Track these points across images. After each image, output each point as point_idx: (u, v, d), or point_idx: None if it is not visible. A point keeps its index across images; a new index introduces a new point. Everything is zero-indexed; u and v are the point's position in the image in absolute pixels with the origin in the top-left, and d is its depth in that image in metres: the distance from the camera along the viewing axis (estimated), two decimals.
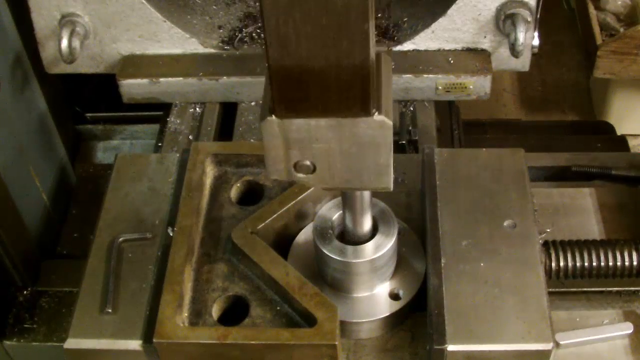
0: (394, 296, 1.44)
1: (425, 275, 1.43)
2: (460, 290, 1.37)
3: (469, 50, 1.88)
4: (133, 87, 1.90)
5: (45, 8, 1.82)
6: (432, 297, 1.36)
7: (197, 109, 1.96)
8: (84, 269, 1.44)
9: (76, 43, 1.81)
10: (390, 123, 1.11)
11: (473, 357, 1.32)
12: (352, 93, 1.07)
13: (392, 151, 1.16)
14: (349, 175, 1.18)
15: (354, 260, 1.37)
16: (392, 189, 1.21)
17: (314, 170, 1.18)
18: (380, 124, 1.11)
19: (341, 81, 1.05)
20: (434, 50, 1.89)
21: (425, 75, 1.86)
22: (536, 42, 1.82)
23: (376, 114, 1.10)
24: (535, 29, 1.80)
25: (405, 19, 1.95)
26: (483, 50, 1.87)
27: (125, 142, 2.32)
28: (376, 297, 1.44)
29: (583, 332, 1.51)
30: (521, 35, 1.74)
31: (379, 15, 1.96)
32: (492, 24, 1.82)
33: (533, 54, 1.84)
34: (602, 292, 1.60)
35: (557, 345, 1.46)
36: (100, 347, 1.36)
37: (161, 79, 1.90)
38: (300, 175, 1.19)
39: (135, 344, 1.35)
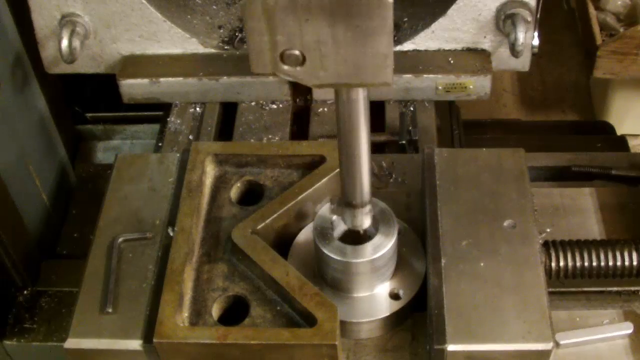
0: (394, 296, 1.44)
1: (425, 275, 1.43)
2: (460, 290, 1.37)
3: (469, 50, 1.88)
4: (133, 87, 1.90)
5: (45, 8, 1.82)
6: (432, 297, 1.36)
7: (197, 109, 1.96)
8: (84, 269, 1.44)
9: (76, 43, 1.81)
10: (391, 2, 0.98)
11: (473, 357, 1.32)
12: None
13: (392, 39, 1.03)
14: (343, 67, 1.05)
15: (354, 260, 1.37)
16: (391, 84, 1.08)
17: (304, 61, 1.04)
18: (379, 2, 0.98)
19: None
20: (434, 50, 1.89)
21: (425, 75, 1.86)
22: (536, 42, 1.82)
23: None
24: (535, 29, 1.80)
25: (405, 19, 1.95)
26: (483, 50, 1.87)
27: (125, 142, 2.32)
28: (376, 297, 1.44)
29: (583, 332, 1.51)
30: (521, 35, 1.74)
31: None
32: (492, 24, 1.82)
33: (533, 54, 1.84)
34: (602, 292, 1.60)
35: (557, 345, 1.46)
36: (101, 347, 1.36)
37: (161, 79, 1.90)
38: (288, 67, 1.05)
39: (135, 344, 1.35)
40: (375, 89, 1.22)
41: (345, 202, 1.34)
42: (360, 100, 1.16)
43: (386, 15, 0.99)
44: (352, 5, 0.98)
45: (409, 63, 1.88)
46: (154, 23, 1.87)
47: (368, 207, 1.34)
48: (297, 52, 1.04)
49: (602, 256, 1.50)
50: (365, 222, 1.37)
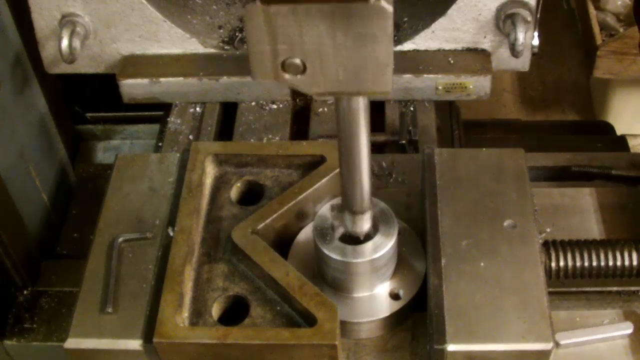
0: (394, 296, 1.44)
1: (425, 275, 1.43)
2: (461, 290, 1.37)
3: (469, 50, 1.88)
4: (133, 87, 1.90)
5: (45, 8, 1.82)
6: (432, 297, 1.36)
7: (197, 109, 1.96)
8: (84, 269, 1.44)
9: (76, 43, 1.81)
10: (391, 10, 0.99)
11: (473, 357, 1.32)
12: None
13: (392, 47, 1.04)
14: (343, 75, 1.05)
15: (354, 260, 1.37)
16: (390, 92, 1.09)
17: (304, 69, 1.05)
18: (379, 10, 0.98)
19: None
20: (434, 50, 1.89)
21: (426, 75, 1.86)
22: (536, 42, 1.82)
23: None
24: (535, 29, 1.80)
25: (405, 19, 1.95)
26: (483, 50, 1.87)
27: (125, 142, 2.32)
28: (376, 297, 1.44)
29: (583, 332, 1.51)
30: (521, 35, 1.74)
31: None
32: (492, 24, 1.82)
33: (533, 54, 1.84)
34: (602, 292, 1.60)
35: (557, 345, 1.46)
36: (101, 347, 1.36)
37: (161, 79, 1.90)
38: (289, 76, 1.06)
39: (135, 344, 1.35)
40: None
41: (346, 208, 1.34)
42: (361, 109, 1.17)
43: (386, 24, 1.00)
44: (352, 14, 0.99)
45: (409, 63, 1.88)
46: (154, 23, 1.87)
47: (369, 213, 1.35)
48: (297, 61, 1.04)
49: (602, 256, 1.50)
50: (365, 226, 1.37)
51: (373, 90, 1.08)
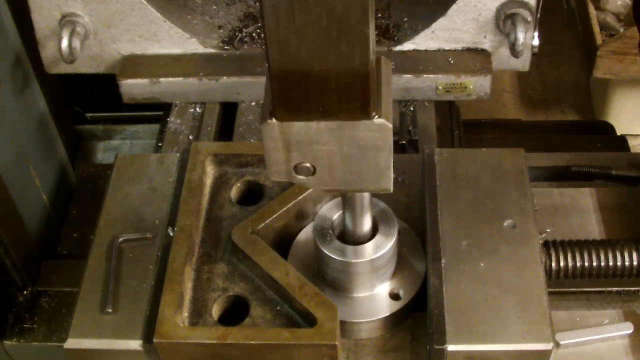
0: (394, 296, 1.44)
1: (425, 275, 1.43)
2: (461, 290, 1.37)
3: (469, 50, 1.88)
4: (133, 87, 1.90)
5: (45, 8, 1.82)
6: (432, 297, 1.36)
7: (197, 109, 1.96)
8: (84, 269, 1.44)
9: (76, 43, 1.80)
10: (390, 126, 1.12)
11: (473, 357, 1.32)
12: (352, 96, 1.07)
13: (392, 153, 1.16)
14: (349, 177, 1.19)
15: (354, 260, 1.37)
16: (392, 191, 1.22)
17: (314, 172, 1.18)
18: (380, 126, 1.11)
19: (341, 84, 1.05)
20: (434, 50, 1.89)
21: (425, 75, 1.86)
22: (536, 42, 1.82)
23: (376, 116, 1.11)
24: (535, 29, 1.80)
25: (405, 19, 1.95)
26: (483, 50, 1.87)
27: (125, 142, 2.32)
28: (376, 297, 1.44)
29: (583, 332, 1.51)
30: (521, 35, 1.74)
31: (379, 15, 1.96)
32: (492, 24, 1.82)
33: (533, 54, 1.84)
34: (602, 292, 1.60)
35: (557, 345, 1.45)
36: (101, 347, 1.36)
37: (161, 79, 1.90)
38: (301, 177, 1.19)
39: (135, 344, 1.35)
40: None
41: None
42: (365, 196, 1.31)
43: (387, 136, 1.13)
44: (357, 129, 1.11)
45: (409, 63, 1.87)
46: (154, 23, 1.86)
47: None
48: (308, 165, 1.18)
49: (602, 256, 1.50)
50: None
51: (375, 189, 1.22)
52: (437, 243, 1.42)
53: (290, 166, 1.18)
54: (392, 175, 1.20)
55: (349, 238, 1.38)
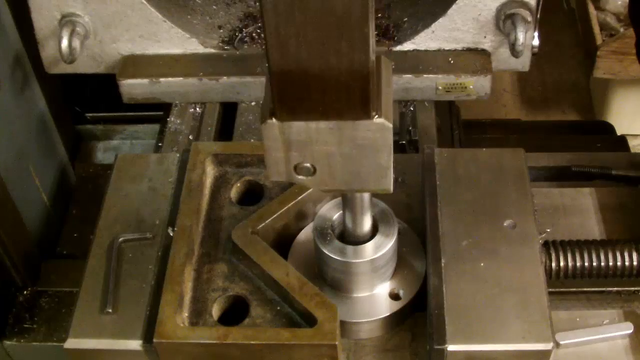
0: (394, 296, 1.44)
1: (425, 275, 1.43)
2: (461, 290, 1.37)
3: (469, 50, 1.88)
4: (133, 87, 1.90)
5: (45, 8, 1.82)
6: (432, 297, 1.36)
7: (197, 109, 1.96)
8: (84, 269, 1.44)
9: (76, 43, 1.80)
10: (390, 126, 1.12)
11: (473, 357, 1.32)
12: (352, 96, 1.07)
13: (392, 153, 1.16)
14: (349, 177, 1.19)
15: (354, 260, 1.37)
16: (392, 191, 1.22)
17: (314, 172, 1.18)
18: (380, 126, 1.11)
19: (341, 84, 1.05)
20: (434, 50, 1.89)
21: (425, 75, 1.86)
22: (536, 42, 1.82)
23: (376, 116, 1.11)
24: (535, 29, 1.80)
25: (405, 19, 1.95)
26: (483, 50, 1.87)
27: (125, 142, 2.32)
28: (376, 297, 1.44)
29: (583, 332, 1.51)
30: (521, 35, 1.74)
31: (379, 15, 1.96)
32: (492, 24, 1.82)
33: (533, 54, 1.84)
34: (602, 292, 1.60)
35: (557, 345, 1.46)
36: (100, 347, 1.36)
37: (161, 79, 1.90)
38: (301, 177, 1.19)
39: (135, 344, 1.35)
40: None
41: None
42: (365, 196, 1.31)
43: (387, 136, 1.13)
44: (357, 129, 1.11)
45: (409, 63, 1.87)
46: (154, 23, 1.86)
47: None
48: (308, 165, 1.17)
49: (602, 256, 1.50)
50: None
51: (375, 189, 1.22)
52: (437, 243, 1.42)
53: (290, 166, 1.18)
54: (392, 175, 1.20)
55: (349, 238, 1.38)
